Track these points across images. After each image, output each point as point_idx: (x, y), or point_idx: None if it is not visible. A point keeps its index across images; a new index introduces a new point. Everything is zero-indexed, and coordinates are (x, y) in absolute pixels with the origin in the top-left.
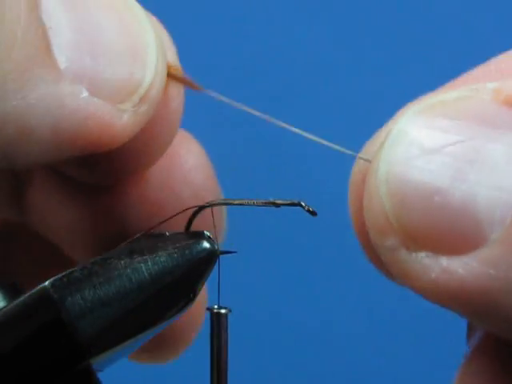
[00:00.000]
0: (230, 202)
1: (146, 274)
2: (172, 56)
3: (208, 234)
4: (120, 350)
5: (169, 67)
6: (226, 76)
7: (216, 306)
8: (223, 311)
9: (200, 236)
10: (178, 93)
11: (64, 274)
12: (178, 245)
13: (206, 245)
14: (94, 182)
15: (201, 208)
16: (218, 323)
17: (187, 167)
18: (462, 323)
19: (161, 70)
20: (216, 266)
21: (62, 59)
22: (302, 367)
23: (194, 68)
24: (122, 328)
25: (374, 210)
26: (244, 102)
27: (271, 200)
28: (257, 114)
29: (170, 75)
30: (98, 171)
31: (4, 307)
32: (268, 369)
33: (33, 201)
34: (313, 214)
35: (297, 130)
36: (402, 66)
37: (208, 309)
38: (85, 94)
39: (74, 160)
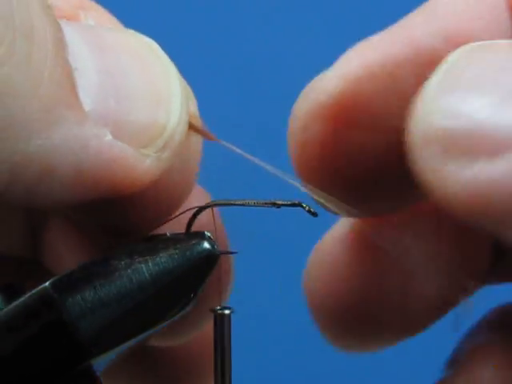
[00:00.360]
0: (231, 202)
1: (147, 275)
2: (193, 107)
3: (208, 234)
4: (121, 351)
5: (190, 117)
6: (226, 77)
7: (219, 307)
8: (226, 312)
9: (200, 237)
10: (196, 142)
11: (64, 274)
12: (178, 245)
13: (207, 245)
14: (109, 232)
15: (201, 209)
16: (221, 324)
17: (199, 224)
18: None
19: (184, 117)
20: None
21: (87, 101)
22: (304, 367)
23: (196, 70)
24: (123, 328)
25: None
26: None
27: (272, 200)
28: (271, 169)
29: (190, 125)
30: (115, 222)
31: (4, 308)
32: (271, 369)
33: (47, 242)
34: (313, 214)
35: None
36: None
37: (211, 310)
38: (109, 136)
39: (91, 208)
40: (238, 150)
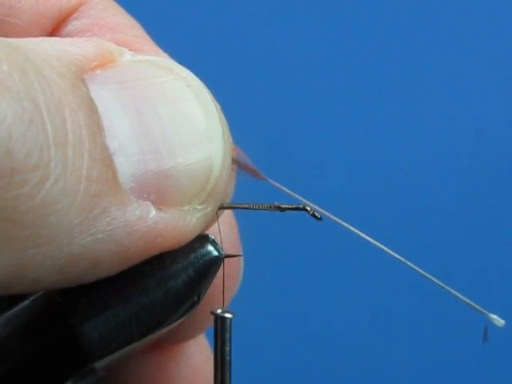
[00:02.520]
0: (236, 206)
1: (151, 278)
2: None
3: (213, 237)
4: (125, 353)
5: (232, 151)
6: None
7: (220, 310)
8: (228, 315)
9: (205, 239)
10: (232, 177)
11: None
12: (182, 248)
13: (211, 248)
14: None
15: None
16: (222, 327)
17: (195, 361)
18: (461, 323)
19: (227, 161)
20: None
21: (128, 179)
22: (306, 371)
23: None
24: (127, 331)
25: None
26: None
27: (276, 204)
28: (315, 207)
29: (234, 161)
30: None
31: (8, 311)
32: (272, 373)
33: None
34: (318, 218)
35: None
36: (402, 66)
37: (212, 313)
38: (152, 212)
39: None
40: (286, 189)
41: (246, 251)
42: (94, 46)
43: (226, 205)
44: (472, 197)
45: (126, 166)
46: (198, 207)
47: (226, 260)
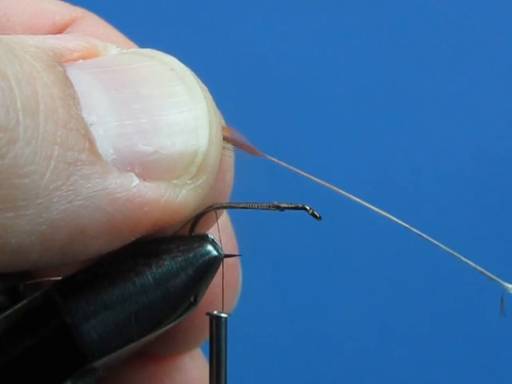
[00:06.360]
0: (235, 205)
1: (150, 278)
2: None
3: (212, 237)
4: (123, 353)
5: (224, 130)
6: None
7: (216, 311)
8: (223, 315)
9: (204, 239)
10: (230, 157)
11: (68, 276)
12: (181, 248)
13: (210, 248)
14: None
15: (204, 212)
16: (217, 328)
17: (190, 377)
18: (466, 326)
19: (215, 135)
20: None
21: (108, 152)
22: (303, 373)
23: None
24: (126, 331)
25: None
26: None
27: (275, 203)
28: (317, 180)
29: (227, 139)
30: None
31: (7, 310)
32: (268, 374)
33: None
34: (317, 217)
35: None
36: (403, 65)
37: (207, 313)
38: (135, 181)
39: None
40: (284, 164)
41: (245, 251)
42: (77, 39)
43: (224, 204)
44: (473, 201)
45: (105, 139)
46: (189, 182)
47: (225, 261)
